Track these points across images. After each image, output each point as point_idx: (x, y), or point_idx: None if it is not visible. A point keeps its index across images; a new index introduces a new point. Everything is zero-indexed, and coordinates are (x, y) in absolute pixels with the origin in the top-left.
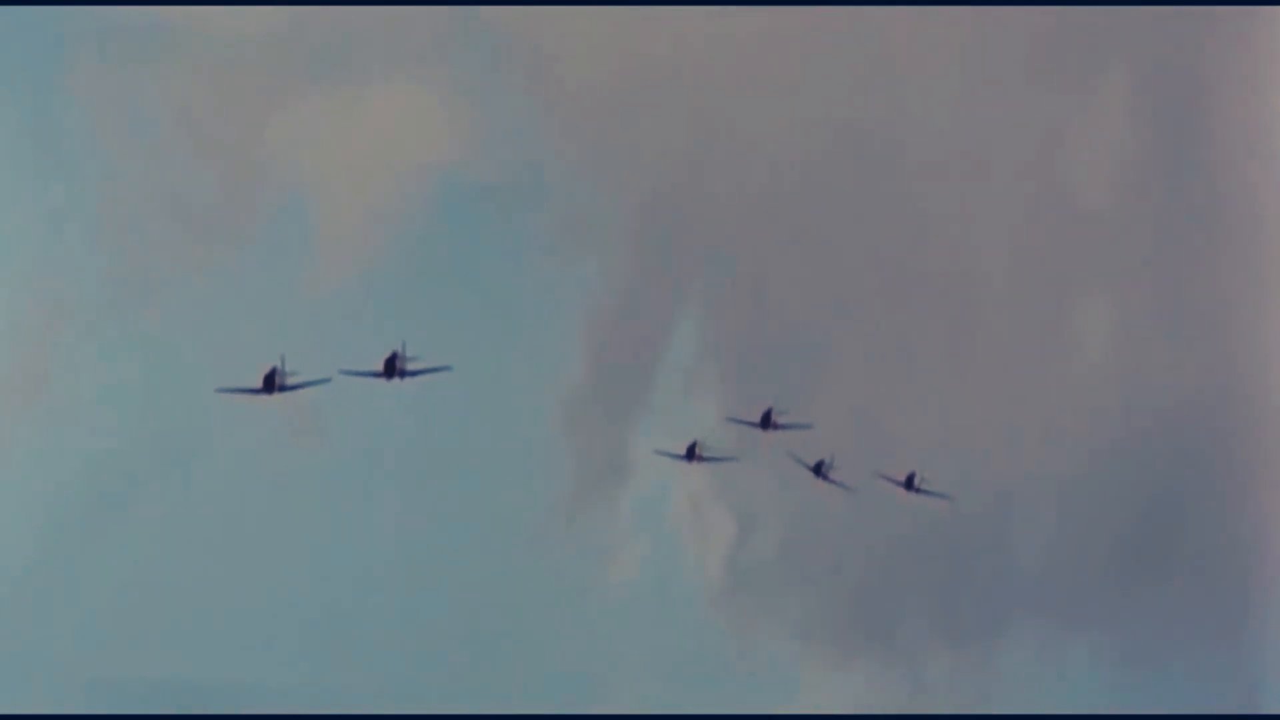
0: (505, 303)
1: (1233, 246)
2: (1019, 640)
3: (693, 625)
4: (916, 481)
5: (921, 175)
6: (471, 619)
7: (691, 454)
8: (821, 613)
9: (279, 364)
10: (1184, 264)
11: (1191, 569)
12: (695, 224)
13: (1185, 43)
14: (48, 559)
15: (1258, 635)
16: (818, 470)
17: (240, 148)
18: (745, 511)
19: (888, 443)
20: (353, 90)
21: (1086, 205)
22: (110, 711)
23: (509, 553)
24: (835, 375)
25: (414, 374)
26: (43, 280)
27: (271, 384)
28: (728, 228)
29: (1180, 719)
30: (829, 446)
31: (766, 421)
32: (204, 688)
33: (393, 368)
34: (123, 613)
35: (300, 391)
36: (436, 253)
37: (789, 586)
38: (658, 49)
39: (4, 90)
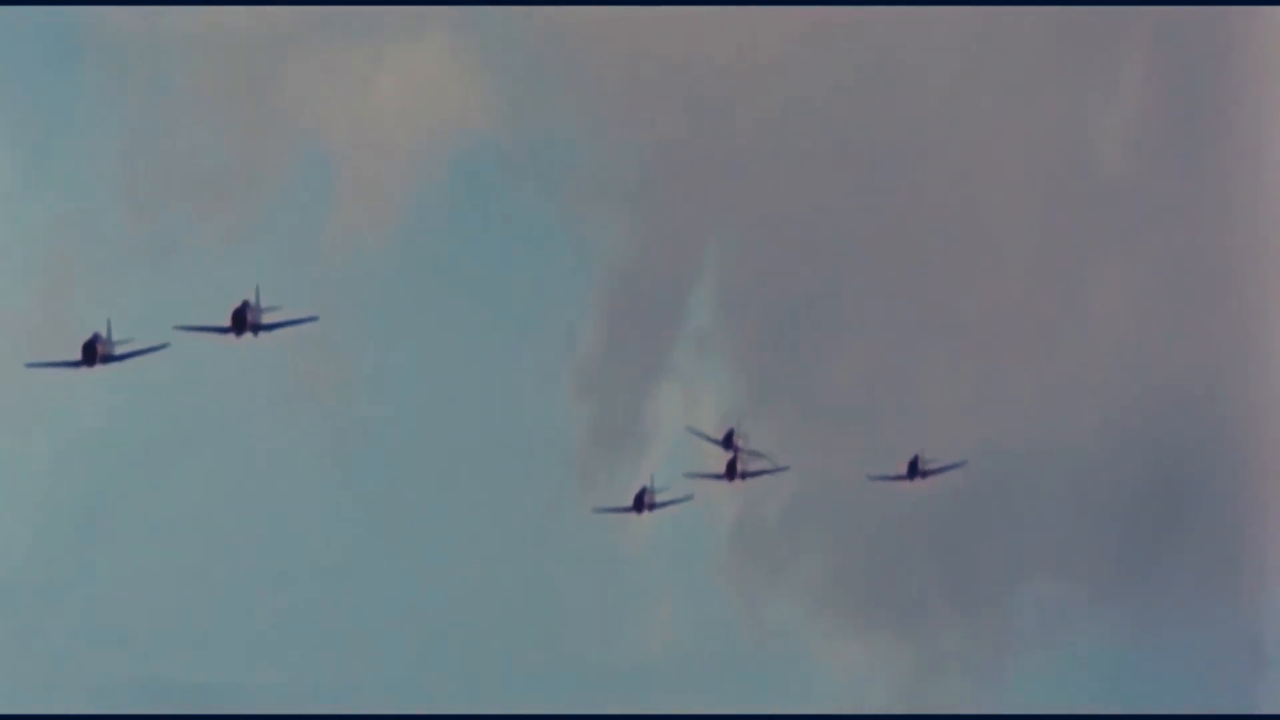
0: (521, 265)
1: (1248, 217)
2: (1030, 606)
3: (703, 593)
4: (921, 464)
5: (938, 142)
6: (483, 588)
7: (640, 503)
8: (832, 580)
9: (103, 331)
10: (1199, 233)
11: (1200, 534)
12: (712, 188)
13: (1206, 14)
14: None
15: (1262, 599)
16: (726, 443)
17: (260, 107)
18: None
19: (900, 407)
20: (373, 51)
21: (1103, 173)
22: (110, 711)
23: (521, 519)
24: (850, 340)
25: (270, 328)
26: (64, 241)
27: (93, 354)
28: (745, 192)
29: (1181, 719)
30: (840, 414)
31: (729, 443)
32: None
33: (243, 321)
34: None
35: (129, 361)
36: (453, 216)
37: (798, 555)
38: (676, 14)
39: (23, 52)
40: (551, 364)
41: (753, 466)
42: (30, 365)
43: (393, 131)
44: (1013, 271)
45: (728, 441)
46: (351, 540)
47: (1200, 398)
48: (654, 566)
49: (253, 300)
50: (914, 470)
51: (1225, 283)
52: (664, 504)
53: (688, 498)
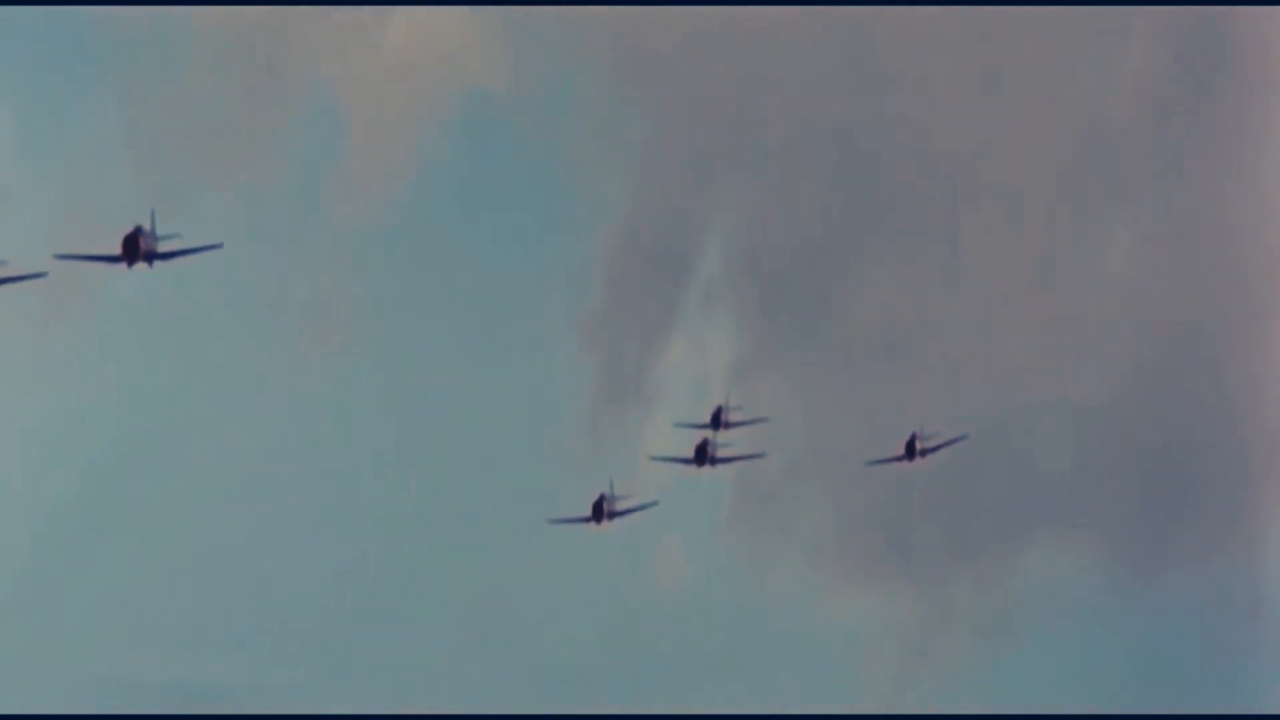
0: (529, 218)
1: (1256, 171)
2: (1034, 557)
3: (710, 545)
4: (920, 443)
5: (949, 97)
6: (491, 540)
7: (599, 512)
8: (837, 530)
9: (145, 224)
10: (1207, 184)
11: (1206, 488)
12: (720, 141)
13: None
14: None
15: (1264, 551)
16: (715, 422)
17: (269, 59)
18: (763, 430)
19: (908, 360)
20: (381, 5)
21: (1113, 124)
22: (110, 711)
23: (528, 473)
24: (857, 293)
25: (167, 256)
26: (72, 195)
27: (135, 250)
28: (753, 145)
29: (1182, 719)
30: (847, 367)
31: (717, 421)
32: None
33: (135, 249)
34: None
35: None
36: (461, 169)
37: (805, 505)
38: None
39: (28, 6)
40: (558, 317)
41: (728, 454)
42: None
43: (401, 85)
44: (1022, 225)
45: (716, 420)
46: (356, 507)
47: (1206, 353)
48: (663, 519)
49: (147, 226)
50: (912, 450)
51: (1233, 234)
52: (625, 512)
53: (652, 504)
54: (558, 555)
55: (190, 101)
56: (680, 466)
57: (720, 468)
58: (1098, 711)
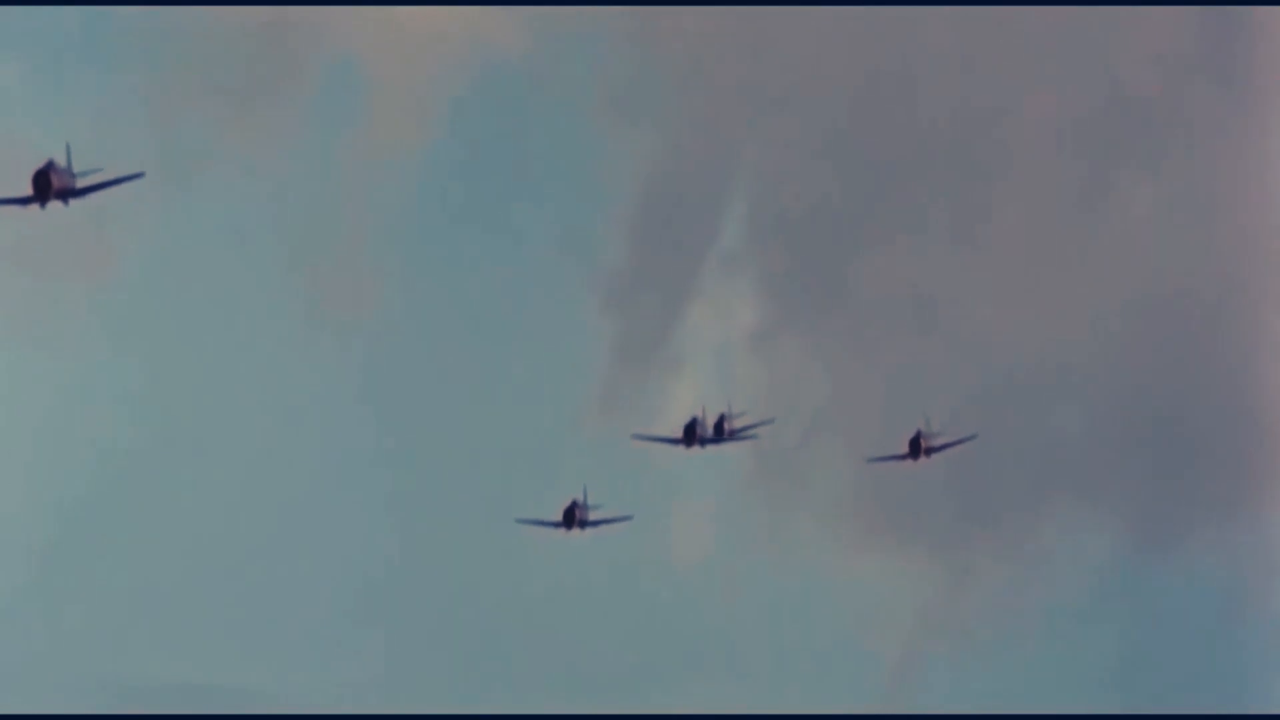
0: (551, 184)
1: (1276, 135)
2: (1052, 525)
3: (726, 509)
4: (924, 442)
5: (970, 61)
6: (508, 502)
7: (570, 519)
8: (854, 496)
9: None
10: (1225, 153)
11: (1221, 452)
12: (744, 105)
13: None
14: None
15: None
16: (717, 431)
17: (290, 19)
18: (779, 396)
19: (928, 329)
20: None
21: (1133, 92)
22: (111, 712)
23: (544, 438)
24: (878, 259)
25: (83, 193)
26: (89, 155)
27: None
28: (776, 111)
29: (1183, 719)
30: (868, 333)
31: (720, 431)
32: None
33: (47, 186)
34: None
35: None
36: (483, 130)
37: (821, 470)
38: None
39: None
40: (578, 281)
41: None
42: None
43: (423, 51)
44: (1043, 193)
45: (719, 429)
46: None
47: (1225, 321)
48: (687, 484)
49: (61, 161)
50: (916, 449)
51: (1249, 201)
52: (597, 522)
53: (625, 518)
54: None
55: (211, 70)
56: (667, 447)
57: (710, 448)
58: (1111, 683)
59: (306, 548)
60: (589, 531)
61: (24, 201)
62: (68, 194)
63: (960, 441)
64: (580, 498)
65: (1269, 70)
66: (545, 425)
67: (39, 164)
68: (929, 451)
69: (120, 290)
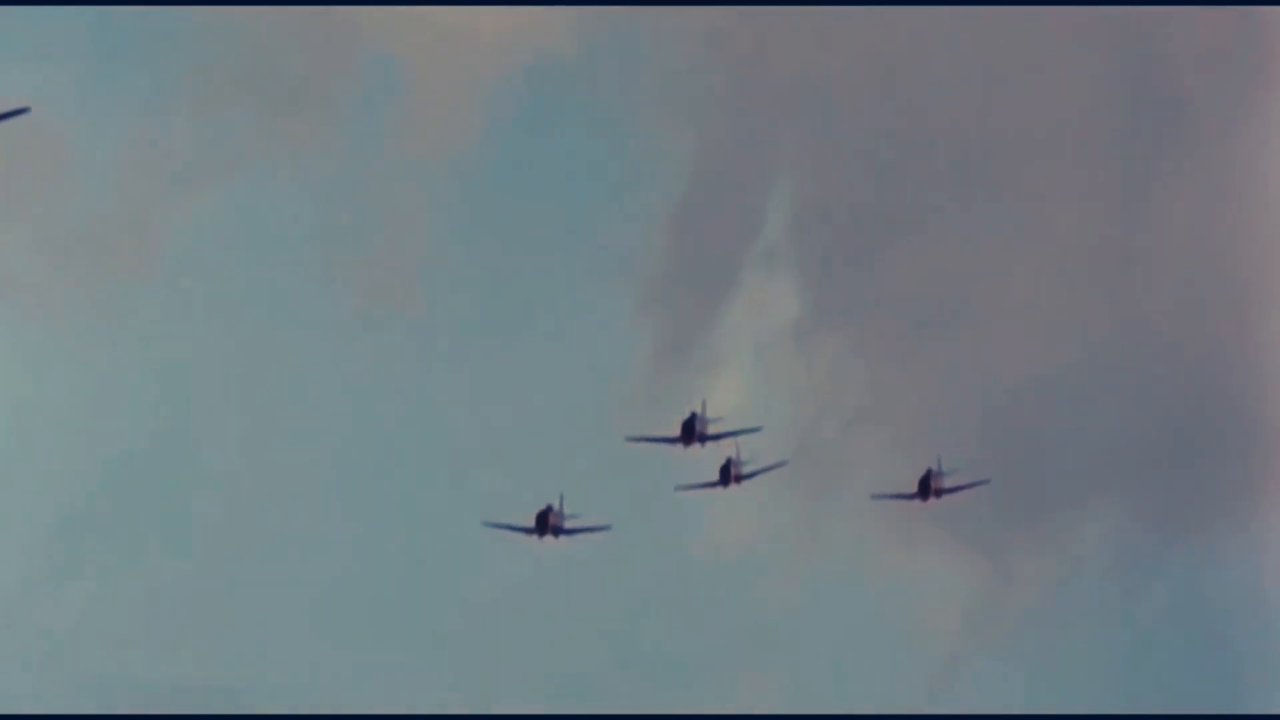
0: (592, 176)
1: None
2: (1092, 521)
3: (766, 506)
4: (934, 483)
5: (1011, 54)
6: (544, 490)
7: (544, 524)
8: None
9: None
10: (1260, 148)
11: (1266, 452)
12: (785, 102)
13: None
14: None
15: None
16: (724, 476)
17: (333, 16)
18: (820, 390)
19: (968, 324)
20: None
21: (1173, 85)
22: (111, 712)
23: (584, 431)
24: (920, 256)
25: None
26: (135, 153)
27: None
28: (818, 108)
29: (1183, 719)
30: (907, 328)
31: (702, 435)
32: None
33: None
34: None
35: None
36: (524, 127)
37: (861, 462)
38: None
39: None
40: (619, 278)
41: (720, 429)
42: None
43: (464, 44)
44: (1082, 189)
45: (725, 475)
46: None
47: (1261, 317)
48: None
49: None
50: (926, 489)
51: None
52: (573, 530)
53: (605, 527)
54: (628, 510)
55: (254, 70)
56: (664, 446)
57: (709, 445)
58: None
59: (347, 546)
60: (563, 540)
61: None
62: None
63: (972, 485)
64: (553, 503)
65: None
66: (585, 423)
67: None
68: (939, 493)
69: (161, 289)
